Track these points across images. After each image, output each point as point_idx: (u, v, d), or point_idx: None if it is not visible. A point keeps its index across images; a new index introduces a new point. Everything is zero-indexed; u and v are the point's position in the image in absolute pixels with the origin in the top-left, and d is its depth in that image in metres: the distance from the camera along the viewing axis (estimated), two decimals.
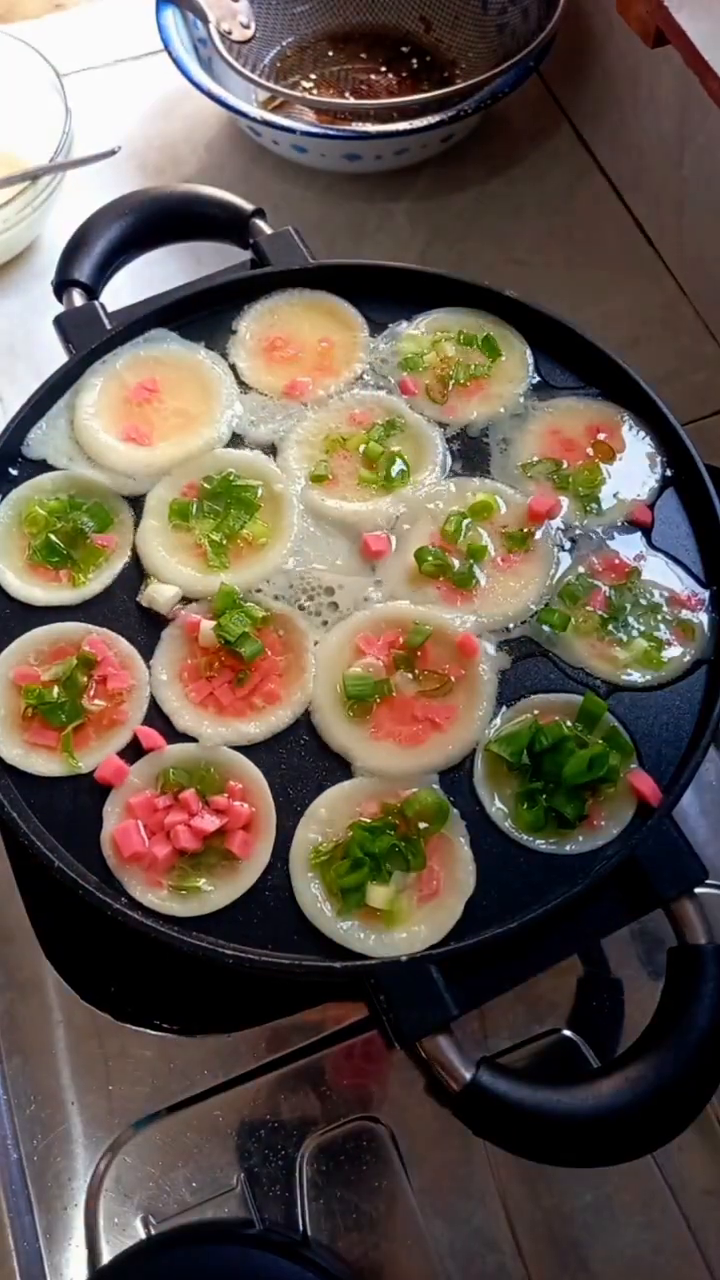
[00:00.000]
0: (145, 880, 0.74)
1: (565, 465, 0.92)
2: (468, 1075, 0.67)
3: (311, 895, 0.74)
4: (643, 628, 0.84)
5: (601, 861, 0.75)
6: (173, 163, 1.38)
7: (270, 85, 1.28)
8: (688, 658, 0.83)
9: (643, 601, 0.86)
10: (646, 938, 0.89)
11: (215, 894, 0.74)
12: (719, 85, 0.97)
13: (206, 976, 0.76)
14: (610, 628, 0.84)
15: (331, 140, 1.25)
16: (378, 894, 0.73)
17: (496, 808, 0.78)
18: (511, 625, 0.85)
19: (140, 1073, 0.83)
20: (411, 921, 0.73)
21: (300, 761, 0.80)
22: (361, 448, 0.92)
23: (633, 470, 0.92)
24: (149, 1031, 0.84)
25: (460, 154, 1.36)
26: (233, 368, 0.97)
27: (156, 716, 0.81)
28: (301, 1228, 0.79)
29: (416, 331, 0.99)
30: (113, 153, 1.27)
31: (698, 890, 0.74)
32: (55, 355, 0.97)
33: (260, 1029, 0.84)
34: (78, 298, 0.98)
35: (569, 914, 0.73)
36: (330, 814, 0.77)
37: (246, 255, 1.04)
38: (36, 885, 0.88)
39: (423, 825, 0.76)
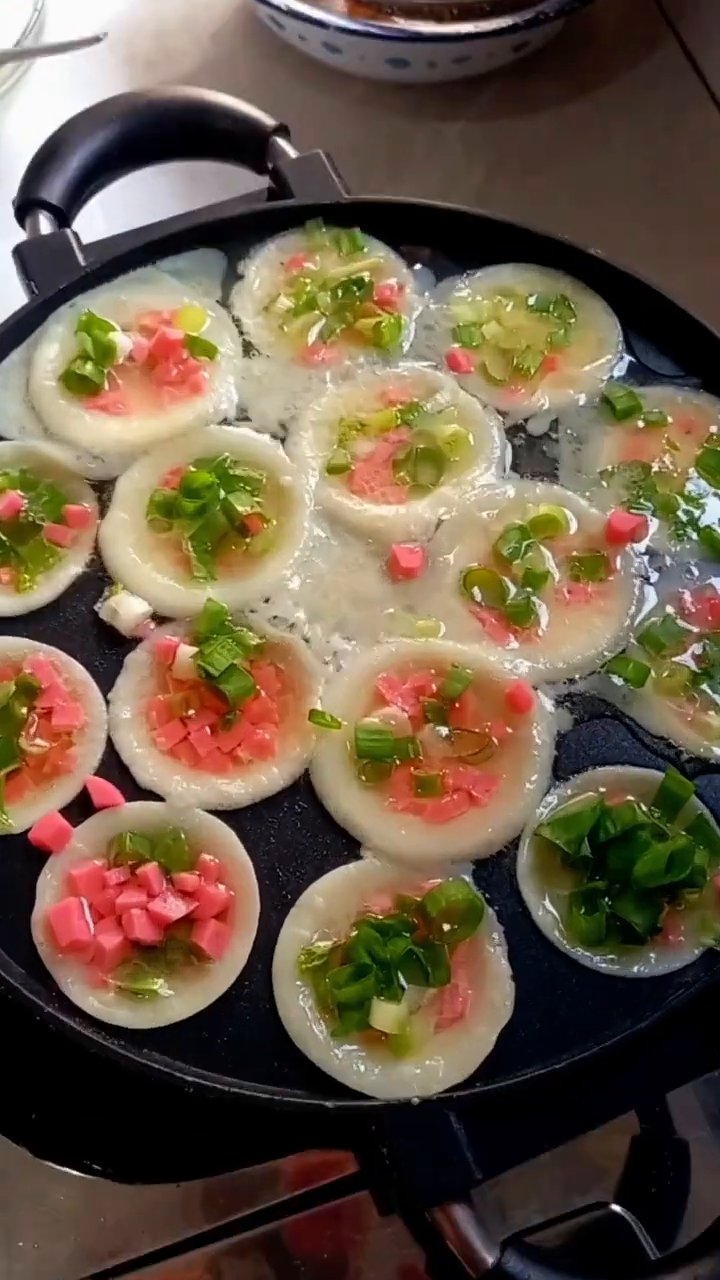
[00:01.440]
0: (86, 977, 0.74)
1: (655, 474, 0.93)
2: (490, 1259, 0.67)
3: (300, 1010, 0.74)
4: None
5: (677, 989, 0.75)
6: (168, 57, 1.40)
7: None
8: None
9: None
10: None
11: (175, 1001, 0.74)
12: None
13: (156, 1107, 0.76)
14: (703, 686, 0.85)
15: (374, 40, 1.27)
16: (385, 1014, 0.73)
17: (545, 911, 0.78)
18: (577, 675, 0.85)
19: (62, 1227, 0.82)
20: (427, 1053, 0.73)
21: (295, 835, 0.80)
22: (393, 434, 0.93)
23: None
24: (76, 1173, 0.83)
25: (535, 67, 1.38)
26: (236, 322, 0.98)
27: (113, 765, 0.81)
28: None
29: (472, 293, 1.00)
30: (95, 40, 1.29)
31: None
32: (12, 295, 0.98)
33: (217, 1179, 0.84)
34: (45, 224, 0.99)
35: (631, 1055, 0.73)
36: (330, 906, 0.77)
37: (261, 183, 1.05)
38: None
39: (448, 928, 0.76)
